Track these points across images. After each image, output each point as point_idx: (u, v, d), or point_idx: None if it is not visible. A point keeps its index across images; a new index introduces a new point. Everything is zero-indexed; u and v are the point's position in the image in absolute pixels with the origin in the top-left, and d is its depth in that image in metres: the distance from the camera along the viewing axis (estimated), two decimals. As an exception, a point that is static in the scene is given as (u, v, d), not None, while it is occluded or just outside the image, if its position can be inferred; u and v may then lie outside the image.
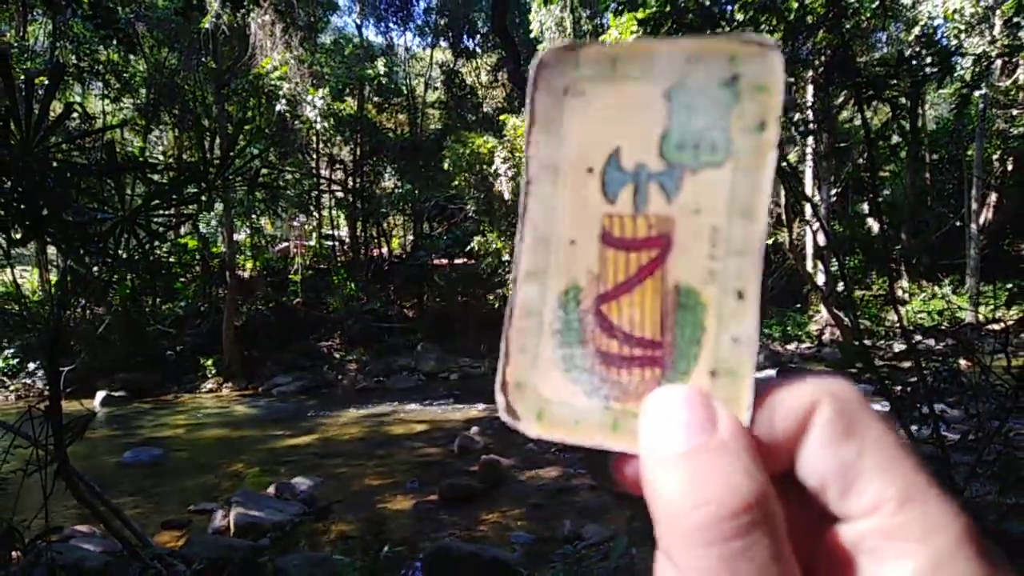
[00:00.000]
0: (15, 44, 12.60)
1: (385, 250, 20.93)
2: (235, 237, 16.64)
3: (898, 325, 3.41)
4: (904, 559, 0.22)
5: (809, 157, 12.28)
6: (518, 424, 0.28)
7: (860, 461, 0.24)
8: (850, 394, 0.25)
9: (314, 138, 18.32)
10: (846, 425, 0.24)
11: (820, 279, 13.78)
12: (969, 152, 15.23)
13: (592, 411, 0.28)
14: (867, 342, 3.59)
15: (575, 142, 0.28)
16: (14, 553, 2.99)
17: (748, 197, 0.27)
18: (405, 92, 21.83)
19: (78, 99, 14.71)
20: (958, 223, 14.07)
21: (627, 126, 0.28)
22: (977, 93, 12.22)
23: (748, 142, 0.27)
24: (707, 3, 3.96)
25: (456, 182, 17.77)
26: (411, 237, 21.53)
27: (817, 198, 13.63)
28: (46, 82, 2.65)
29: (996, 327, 3.37)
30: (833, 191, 15.04)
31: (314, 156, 19.04)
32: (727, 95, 0.27)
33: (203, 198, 2.94)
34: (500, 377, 0.29)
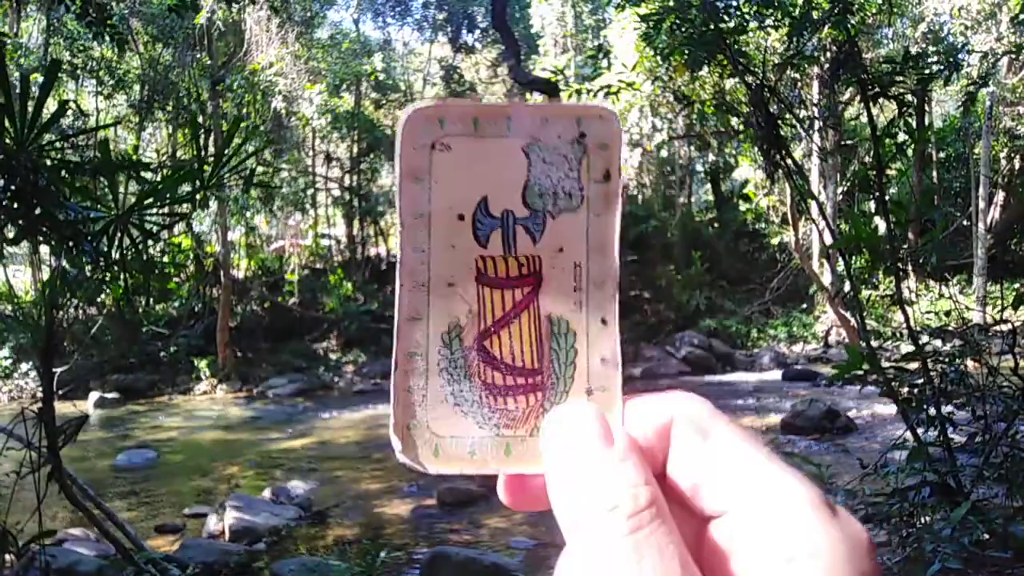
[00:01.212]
0: (8, 39, 12.48)
1: (383, 249, 20.85)
2: (229, 236, 16.55)
3: (905, 326, 3.37)
4: (767, 545, 0.25)
5: (815, 155, 12.28)
6: (416, 463, 0.30)
7: (718, 461, 0.27)
8: (700, 404, 0.29)
9: (310, 135, 18.24)
10: (701, 432, 0.28)
11: (826, 279, 13.76)
12: (976, 150, 15.23)
13: (484, 440, 0.30)
14: (874, 343, 3.55)
15: (444, 192, 0.31)
16: (7, 557, 2.95)
17: (602, 236, 0.31)
18: (403, 88, 21.77)
19: (71, 96, 14.59)
20: (965, 222, 14.10)
21: (492, 178, 0.31)
22: (984, 90, 12.21)
23: (597, 190, 0.31)
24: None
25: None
26: (408, 236, 21.42)
27: (823, 196, 13.63)
28: (40, 79, 2.59)
29: (1004, 328, 3.33)
30: (839, 189, 15.03)
31: (310, 153, 18.95)
32: (576, 150, 0.31)
33: (198, 197, 2.87)
34: (392, 420, 0.30)
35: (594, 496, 0.26)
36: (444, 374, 0.31)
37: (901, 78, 3.64)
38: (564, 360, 0.31)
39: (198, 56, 15.37)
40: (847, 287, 3.72)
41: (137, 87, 15.81)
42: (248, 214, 17.41)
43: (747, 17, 4.09)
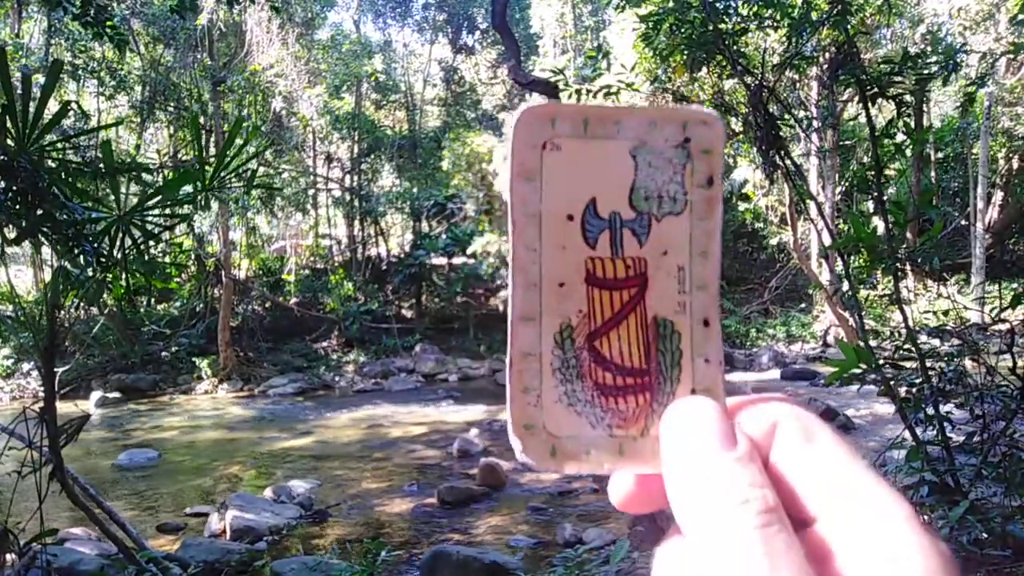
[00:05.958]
0: (9, 41, 12.50)
1: (383, 249, 20.86)
2: (230, 236, 16.57)
3: (903, 325, 3.37)
4: (866, 549, 0.26)
5: (813, 155, 12.30)
6: (536, 464, 0.31)
7: (819, 467, 0.28)
8: (805, 412, 0.30)
9: (311, 136, 18.25)
10: (805, 438, 0.28)
11: (825, 279, 13.78)
12: (974, 150, 15.27)
13: (599, 440, 0.31)
14: (872, 342, 3.56)
15: (554, 192, 0.31)
16: (9, 556, 2.96)
17: (704, 240, 0.32)
18: (403, 89, 21.78)
19: (72, 96, 14.61)
20: (963, 222, 14.14)
21: (600, 179, 0.31)
22: (982, 91, 12.23)
23: (700, 194, 0.32)
24: (710, -1, 3.92)
25: (455, 181, 17.73)
26: (409, 236, 21.45)
27: (822, 197, 13.65)
28: (41, 80, 2.60)
29: (1002, 327, 3.33)
30: (838, 189, 15.05)
31: (311, 154, 18.97)
32: (681, 155, 0.32)
33: (199, 199, 2.88)
34: (510, 420, 0.31)
35: (724, 492, 0.26)
36: (558, 374, 0.31)
37: (900, 78, 3.65)
38: (670, 361, 0.31)
39: (199, 57, 15.39)
40: (845, 287, 3.72)
41: (138, 88, 15.83)
42: (249, 215, 17.44)
43: (748, 19, 4.10)
